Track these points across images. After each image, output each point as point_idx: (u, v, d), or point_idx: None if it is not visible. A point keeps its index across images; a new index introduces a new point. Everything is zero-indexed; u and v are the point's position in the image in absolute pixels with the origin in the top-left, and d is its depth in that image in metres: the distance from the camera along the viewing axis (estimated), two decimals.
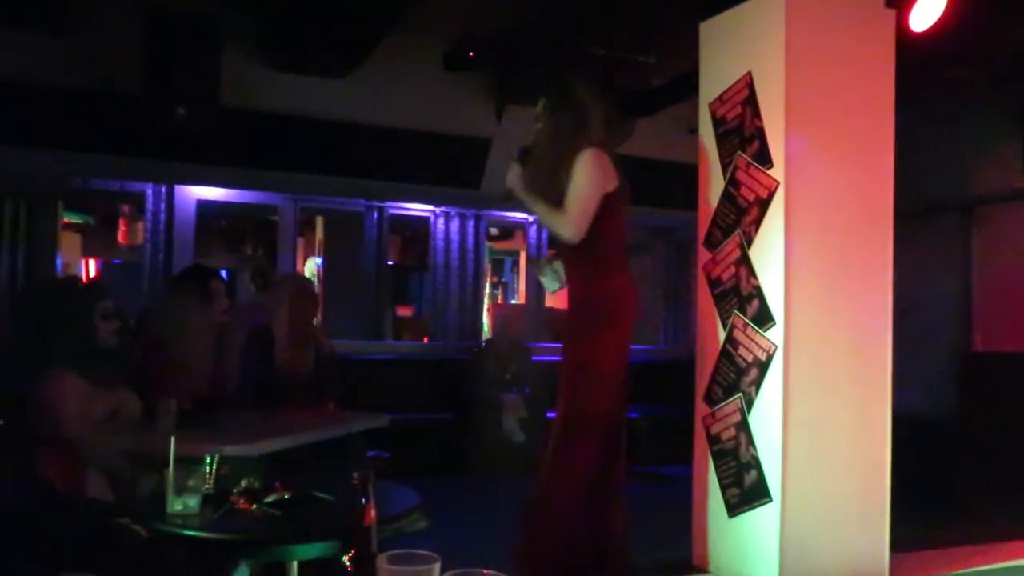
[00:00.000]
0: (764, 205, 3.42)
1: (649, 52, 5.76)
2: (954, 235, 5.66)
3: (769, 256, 3.40)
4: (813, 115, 3.44)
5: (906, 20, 3.68)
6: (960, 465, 4.95)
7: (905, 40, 3.67)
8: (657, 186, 5.73)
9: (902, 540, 3.57)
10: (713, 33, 3.83)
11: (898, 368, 3.55)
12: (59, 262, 6.11)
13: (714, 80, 3.76)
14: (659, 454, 6.09)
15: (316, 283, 4.53)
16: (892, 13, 3.65)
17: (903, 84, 3.60)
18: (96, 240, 9.49)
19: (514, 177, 3.15)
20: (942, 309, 5.55)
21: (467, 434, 6.12)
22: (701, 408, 3.66)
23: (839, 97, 3.49)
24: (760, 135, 3.47)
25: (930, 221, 5.56)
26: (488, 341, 6.95)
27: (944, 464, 4.93)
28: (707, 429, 3.61)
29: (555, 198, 3.05)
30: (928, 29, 3.74)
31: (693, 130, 3.91)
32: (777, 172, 3.40)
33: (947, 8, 3.69)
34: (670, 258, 8.03)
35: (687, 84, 4.38)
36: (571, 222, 3.02)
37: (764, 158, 3.44)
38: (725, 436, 3.49)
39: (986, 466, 4.93)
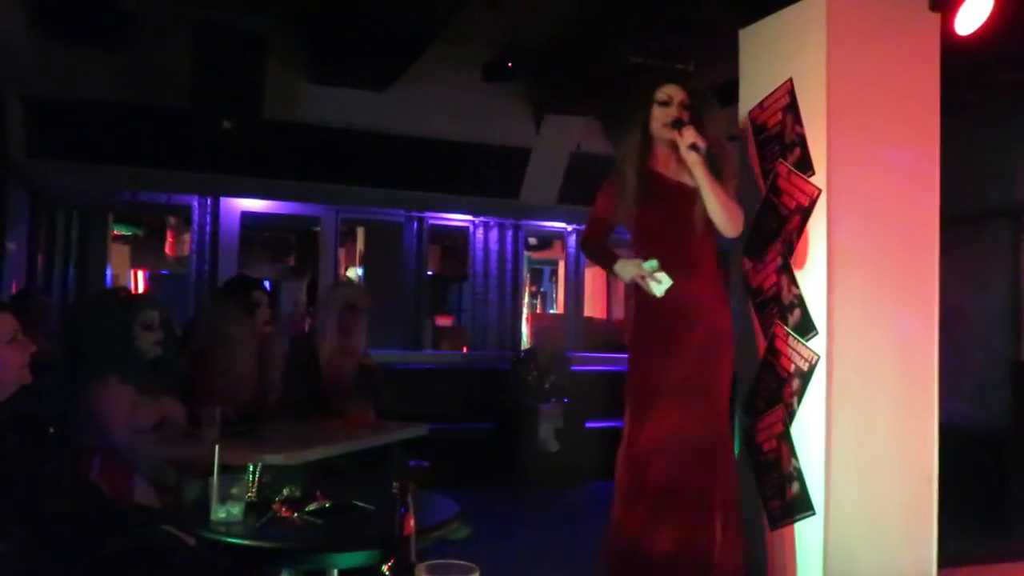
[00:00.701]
0: (806, 213, 3.38)
1: (688, 59, 5.74)
2: (1003, 242, 5.54)
3: (811, 265, 3.35)
4: (856, 121, 3.39)
5: (951, 23, 3.61)
6: (1010, 478, 4.82)
7: (950, 43, 3.60)
8: None
9: (950, 555, 3.48)
10: (753, 40, 3.80)
11: (945, 379, 3.47)
12: (109, 273, 6.27)
13: (754, 87, 3.73)
14: None
15: (367, 292, 4.54)
16: (937, 16, 3.59)
17: (949, 88, 3.53)
18: (144, 252, 9.72)
19: (701, 143, 3.01)
20: (990, 318, 5.42)
21: (506, 444, 6.12)
22: (742, 419, 3.61)
23: (883, 102, 3.44)
24: (801, 142, 3.43)
25: (978, 228, 5.44)
26: (527, 351, 6.96)
27: (993, 477, 4.81)
28: (748, 440, 3.56)
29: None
30: (974, 32, 3.66)
31: (733, 138, 3.88)
32: (819, 179, 3.35)
33: (994, 10, 3.61)
34: None
35: (728, 92, 4.36)
36: (742, 214, 3.07)
37: (806, 165, 3.40)
38: (767, 447, 3.45)
39: None
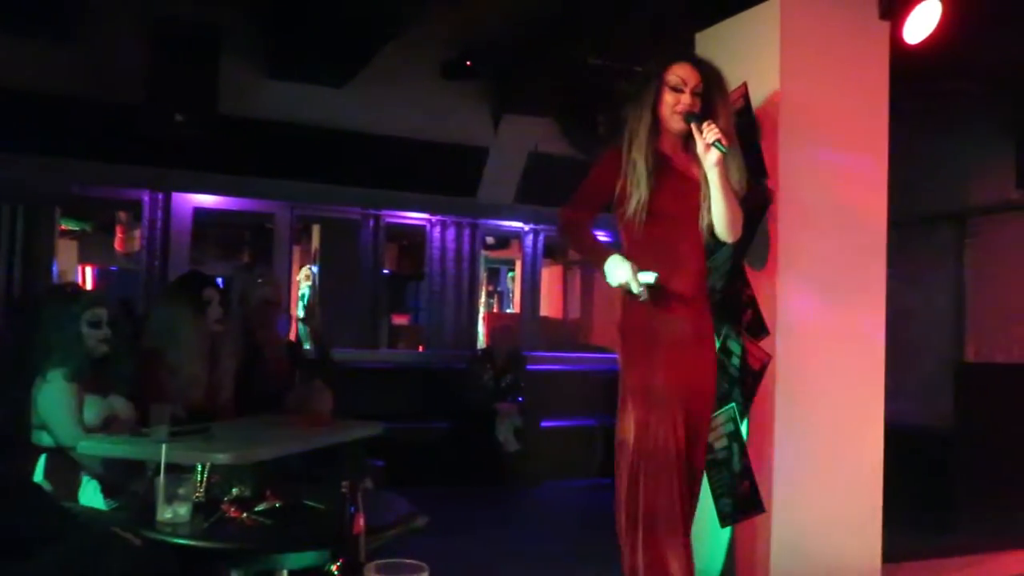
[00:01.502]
0: (759, 213, 3.43)
1: (647, 62, 5.78)
2: (947, 246, 5.69)
3: (763, 266, 3.40)
4: (808, 126, 3.45)
5: (900, 32, 3.70)
6: (953, 476, 4.96)
7: (899, 52, 3.69)
8: None
9: (894, 551, 3.57)
10: (709, 43, 3.84)
11: (891, 379, 3.56)
12: (55, 269, 6.12)
13: None
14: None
15: (279, 287, 4.42)
16: (886, 25, 3.68)
17: (898, 96, 3.62)
18: (93, 247, 9.51)
19: (724, 142, 2.68)
20: (935, 320, 5.57)
21: (462, 443, 6.11)
22: None
23: (833, 108, 3.51)
24: (756, 150, 3.47)
25: (924, 232, 5.58)
26: (483, 350, 6.96)
27: (937, 475, 4.94)
28: None
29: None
30: (922, 41, 3.75)
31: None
32: (772, 183, 3.41)
33: (941, 21, 3.70)
34: None
35: None
36: (742, 218, 2.83)
37: (760, 172, 3.45)
38: (718, 446, 3.49)
39: (979, 477, 4.94)
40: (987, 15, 3.93)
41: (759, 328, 3.38)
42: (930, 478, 4.89)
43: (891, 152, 3.61)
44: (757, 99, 3.50)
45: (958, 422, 5.22)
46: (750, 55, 3.56)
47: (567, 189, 2.94)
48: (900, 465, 3.62)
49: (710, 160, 2.70)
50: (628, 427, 2.80)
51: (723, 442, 3.47)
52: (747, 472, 3.36)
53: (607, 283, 2.75)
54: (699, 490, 2.89)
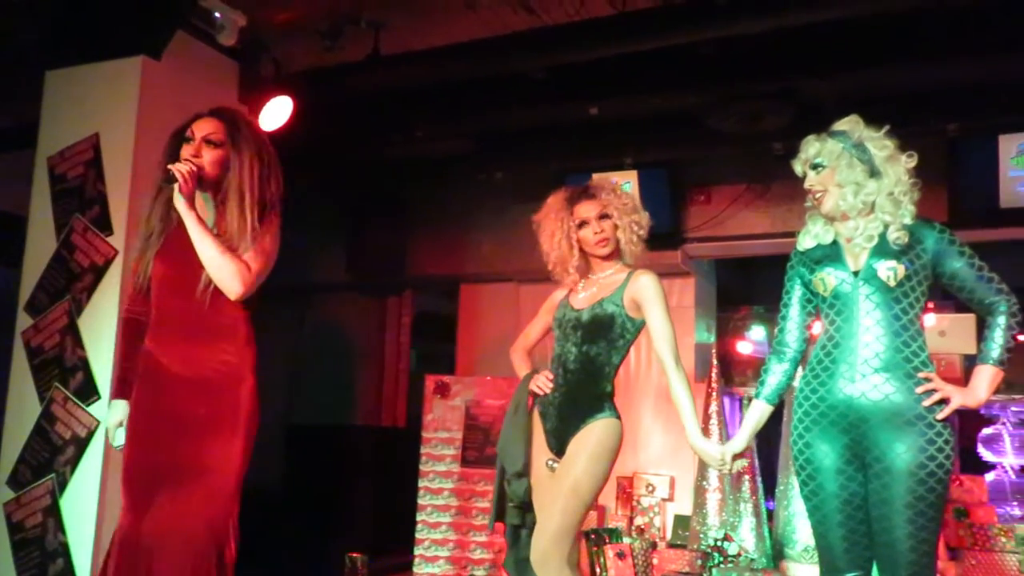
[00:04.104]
0: (100, 272, 3.28)
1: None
2: (291, 318, 6.21)
3: (100, 326, 3.24)
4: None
5: (257, 118, 3.96)
6: (284, 531, 5.29)
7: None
8: None
9: None
10: (61, 84, 3.59)
11: None
12: None
13: (57, 133, 3.52)
14: None
15: None
16: (244, 109, 3.92)
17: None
18: None
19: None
20: (276, 383, 5.97)
21: None
22: (4, 495, 3.23)
23: None
24: (102, 200, 3.35)
25: (274, 304, 5.96)
26: None
27: (271, 532, 5.22)
28: (8, 517, 3.20)
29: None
30: (277, 130, 4.08)
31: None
32: (117, 240, 3.30)
33: (293, 114, 4.09)
34: None
35: (29, 133, 3.99)
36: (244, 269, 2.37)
37: (104, 224, 3.32)
38: (30, 523, 3.15)
39: (306, 530, 5.39)
40: (329, 119, 4.48)
41: (90, 391, 3.19)
42: (264, 535, 5.13)
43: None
44: (109, 153, 3.38)
45: (287, 480, 5.66)
46: (106, 107, 3.44)
47: None
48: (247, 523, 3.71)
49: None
50: None
51: (37, 518, 3.15)
52: (62, 549, 3.09)
53: None
54: None
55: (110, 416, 2.45)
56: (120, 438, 2.42)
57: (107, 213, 3.32)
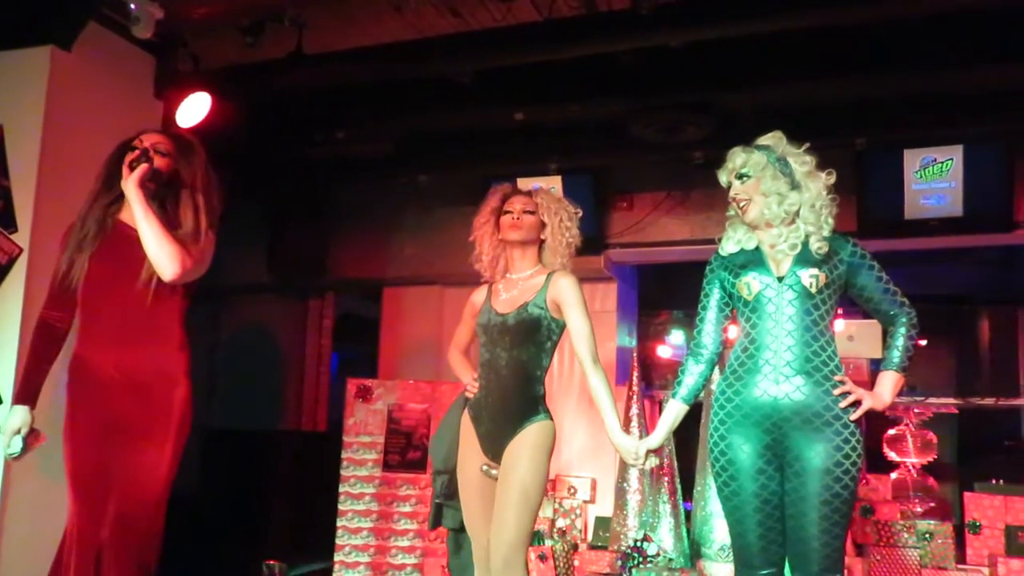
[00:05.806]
0: (3, 271, 3.15)
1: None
2: (206, 319, 6.04)
3: (2, 327, 3.11)
4: (70, 185, 3.31)
5: (174, 114, 3.84)
6: (201, 539, 5.13)
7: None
8: None
9: None
10: None
11: None
12: None
13: None
14: None
15: None
16: (160, 104, 3.81)
17: None
18: None
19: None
20: (193, 387, 5.79)
21: None
22: None
23: (96, 168, 3.44)
24: (6, 195, 3.21)
25: (190, 304, 5.78)
26: None
27: (186, 539, 5.06)
28: None
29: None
30: (194, 127, 3.96)
31: None
32: (22, 237, 3.17)
33: (211, 111, 3.98)
34: None
35: None
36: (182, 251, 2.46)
37: (8, 221, 3.18)
38: None
39: (223, 538, 5.24)
40: (250, 114, 4.37)
41: None
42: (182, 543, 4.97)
43: None
44: (14, 146, 3.24)
45: (205, 486, 5.50)
46: (9, 98, 3.29)
47: None
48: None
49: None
50: None
51: None
52: None
53: None
54: None
55: (8, 421, 2.38)
56: (16, 445, 2.35)
57: (11, 209, 3.18)
